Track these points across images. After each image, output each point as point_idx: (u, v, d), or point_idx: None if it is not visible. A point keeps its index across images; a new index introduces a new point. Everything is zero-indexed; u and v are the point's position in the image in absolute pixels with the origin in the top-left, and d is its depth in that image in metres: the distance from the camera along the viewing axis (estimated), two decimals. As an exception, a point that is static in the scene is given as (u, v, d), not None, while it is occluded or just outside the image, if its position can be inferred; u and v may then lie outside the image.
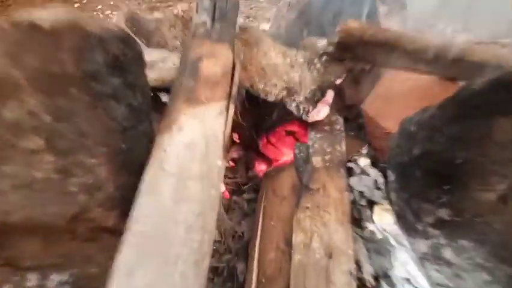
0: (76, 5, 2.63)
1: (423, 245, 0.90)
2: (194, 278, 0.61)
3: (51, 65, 0.69)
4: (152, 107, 0.88)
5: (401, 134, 0.91)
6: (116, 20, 1.38)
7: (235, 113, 0.99)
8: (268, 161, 1.26)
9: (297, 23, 1.30)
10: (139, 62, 0.80)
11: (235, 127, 1.27)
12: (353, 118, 1.22)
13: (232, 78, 0.91)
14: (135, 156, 0.76)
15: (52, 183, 0.70)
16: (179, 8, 1.17)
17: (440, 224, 0.87)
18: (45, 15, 0.70)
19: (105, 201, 0.74)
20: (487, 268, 0.83)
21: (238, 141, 1.28)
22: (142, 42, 1.21)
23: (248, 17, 2.40)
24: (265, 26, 2.30)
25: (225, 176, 1.25)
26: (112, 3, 2.56)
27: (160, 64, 1.09)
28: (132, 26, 1.26)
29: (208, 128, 0.80)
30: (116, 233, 0.73)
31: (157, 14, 1.22)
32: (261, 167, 1.26)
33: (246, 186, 1.22)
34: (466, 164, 0.79)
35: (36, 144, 0.69)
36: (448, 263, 0.88)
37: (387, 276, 0.87)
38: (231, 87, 0.89)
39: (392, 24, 1.31)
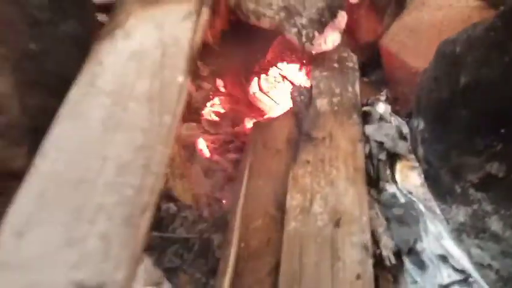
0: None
1: (462, 213, 0.67)
2: (122, 242, 0.37)
3: None
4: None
5: (440, 61, 0.66)
6: None
7: (211, 29, 0.73)
8: (260, 112, 1.02)
9: None
10: None
11: (219, 69, 1.02)
12: (369, 59, 0.97)
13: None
14: (54, 65, 0.51)
15: None
16: None
17: (487, 183, 0.63)
18: None
19: (8, 131, 0.49)
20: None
21: (223, 88, 1.03)
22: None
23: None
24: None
25: (206, 131, 1.01)
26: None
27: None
28: None
29: (167, 35, 0.55)
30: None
31: None
32: (250, 121, 1.02)
33: (231, 144, 0.99)
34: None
35: None
36: (495, 237, 0.64)
37: (413, 253, 0.64)
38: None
39: None
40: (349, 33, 0.95)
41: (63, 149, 0.44)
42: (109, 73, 0.51)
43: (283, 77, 0.99)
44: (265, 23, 0.82)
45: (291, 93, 0.83)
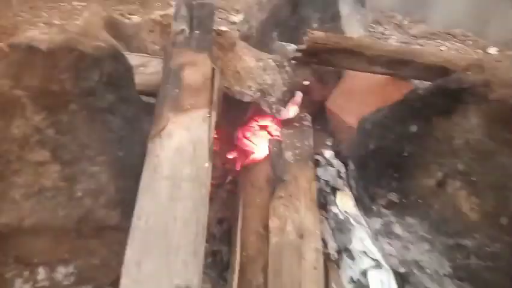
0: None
1: (377, 223, 1.09)
2: (194, 265, 0.74)
3: (50, 84, 0.78)
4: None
5: (359, 131, 1.07)
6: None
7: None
8: (244, 153, 1.38)
9: (267, 24, 1.40)
10: (130, 76, 0.89)
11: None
12: (319, 113, 1.36)
13: (212, 85, 1.01)
14: (132, 161, 0.86)
15: (59, 190, 0.79)
16: (156, 14, 1.24)
17: (390, 205, 1.05)
18: (42, 37, 0.77)
19: (107, 202, 0.84)
20: (428, 239, 1.02)
21: (216, 136, 1.38)
22: (122, 46, 1.28)
23: (217, 8, 2.45)
24: (235, 18, 2.37)
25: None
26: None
27: (141, 69, 1.17)
28: (111, 30, 1.31)
29: (194, 134, 0.91)
30: (119, 229, 0.85)
31: (135, 19, 1.28)
32: (237, 160, 1.38)
33: (227, 179, 1.35)
34: (411, 157, 0.96)
35: (43, 156, 0.78)
36: (398, 237, 1.06)
37: (347, 250, 1.04)
38: (212, 94, 1.00)
39: (353, 22, 1.44)
40: (304, 93, 1.33)
41: (148, 214, 0.80)
42: (164, 163, 0.86)
43: (262, 127, 1.37)
44: (247, 99, 1.20)
45: (269, 146, 1.21)
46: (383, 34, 2.14)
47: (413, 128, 0.93)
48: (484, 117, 0.83)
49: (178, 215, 0.79)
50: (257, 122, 1.36)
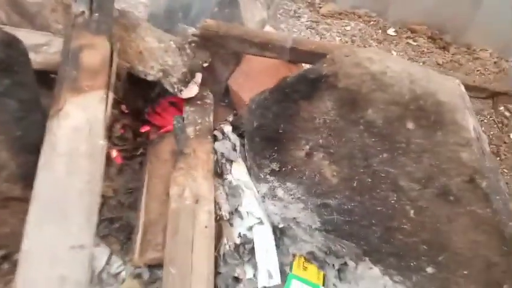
0: None
1: (264, 188, 1.28)
2: (87, 229, 0.87)
3: None
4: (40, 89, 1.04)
5: (248, 110, 1.23)
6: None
7: (116, 93, 1.18)
8: (155, 127, 1.50)
9: (173, 4, 1.48)
10: (25, 61, 0.95)
11: (124, 99, 1.46)
12: (223, 91, 1.50)
13: (110, 67, 1.10)
14: (31, 139, 0.94)
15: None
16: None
17: (273, 173, 1.25)
18: None
19: (9, 177, 0.93)
20: (302, 200, 1.24)
21: (126, 111, 1.48)
22: (26, 23, 1.29)
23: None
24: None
25: (116, 144, 1.46)
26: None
27: (44, 48, 1.21)
28: (14, 7, 1.31)
29: (91, 114, 1.01)
30: (23, 200, 0.94)
31: (37, -2, 1.29)
32: (148, 133, 1.49)
33: (138, 152, 1.46)
34: (285, 133, 1.15)
35: None
36: (280, 199, 1.27)
37: (238, 211, 1.23)
38: (109, 76, 1.09)
39: (255, 6, 1.56)
40: (209, 73, 1.46)
41: (47, 185, 0.90)
42: (61, 141, 0.95)
43: (171, 104, 1.48)
44: (150, 78, 1.30)
45: (173, 122, 1.33)
46: (296, 12, 2.30)
47: (285, 109, 1.11)
48: (335, 102, 1.03)
49: (74, 187, 0.91)
50: (166, 98, 1.47)
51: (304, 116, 1.10)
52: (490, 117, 1.86)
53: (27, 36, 1.18)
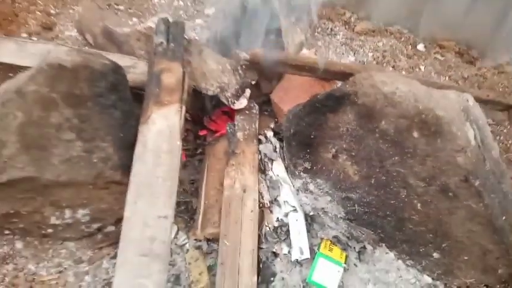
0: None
1: (298, 183, 1.57)
2: (169, 204, 1.21)
3: (74, 90, 1.20)
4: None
5: (286, 119, 1.53)
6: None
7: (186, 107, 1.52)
8: (211, 132, 1.84)
9: (228, 32, 1.81)
10: (125, 82, 1.31)
11: (187, 110, 1.81)
12: (266, 103, 1.82)
13: (183, 86, 1.45)
14: (128, 139, 1.30)
15: (82, 158, 1.24)
16: (142, 26, 1.64)
17: (306, 170, 1.54)
18: (66, 58, 1.18)
19: (112, 166, 1.29)
20: (329, 193, 1.52)
21: (189, 118, 1.83)
22: (115, 49, 1.68)
23: (194, 0, 2.81)
24: (209, 11, 2.74)
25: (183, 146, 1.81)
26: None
27: (131, 69, 1.59)
28: (107, 36, 1.71)
29: (170, 122, 1.35)
30: (121, 183, 1.31)
31: (125, 29, 1.68)
32: (206, 136, 1.84)
33: (198, 151, 1.81)
34: (316, 138, 1.43)
35: (71, 136, 1.22)
36: (311, 192, 1.56)
37: (276, 201, 1.53)
38: (182, 93, 1.43)
39: (294, 32, 1.87)
40: (255, 88, 1.78)
41: (139, 174, 1.25)
42: (150, 141, 1.31)
43: (224, 113, 1.82)
44: (210, 93, 1.63)
45: (226, 128, 1.66)
46: (332, 30, 2.56)
47: (315, 120, 1.40)
48: (356, 114, 1.30)
49: (159, 175, 1.25)
50: (221, 108, 1.81)
51: (331, 125, 1.38)
52: (511, 127, 2.02)
53: (119, 59, 1.56)
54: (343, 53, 2.47)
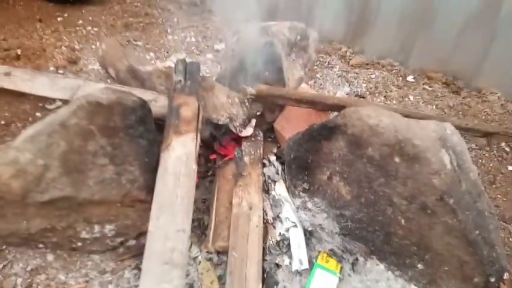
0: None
1: (298, 201, 1.78)
2: (186, 220, 1.42)
3: (109, 122, 1.43)
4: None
5: (287, 146, 1.75)
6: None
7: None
8: (220, 156, 2.06)
9: (237, 69, 2.06)
10: (150, 116, 1.55)
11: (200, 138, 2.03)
12: (270, 130, 2.05)
13: (198, 118, 1.68)
14: (152, 163, 1.53)
15: (113, 179, 1.46)
16: (162, 65, 1.90)
17: (305, 191, 1.74)
18: (102, 96, 1.42)
19: (139, 186, 1.51)
20: (326, 211, 1.72)
21: (201, 144, 2.05)
22: (138, 85, 1.93)
23: (204, 37, 3.10)
24: (218, 46, 3.02)
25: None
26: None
27: (153, 102, 1.83)
28: (131, 73, 1.96)
29: (187, 148, 1.58)
30: (146, 202, 1.52)
31: (148, 68, 1.94)
32: (215, 160, 2.06)
33: (209, 173, 2.02)
34: (312, 162, 1.65)
35: (104, 161, 1.44)
36: (309, 210, 1.76)
37: (279, 217, 1.73)
38: (197, 123, 1.66)
39: (294, 68, 2.11)
40: (260, 118, 2.01)
41: (161, 194, 1.46)
42: (170, 165, 1.53)
43: (233, 140, 2.05)
44: (221, 122, 1.87)
45: (234, 153, 1.89)
46: (329, 64, 2.82)
47: (312, 146, 1.62)
48: (346, 142, 1.52)
49: (178, 195, 1.46)
50: (229, 136, 2.04)
51: (325, 151, 1.60)
52: (491, 152, 2.22)
53: (142, 94, 1.81)
54: (339, 84, 2.72)
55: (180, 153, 1.56)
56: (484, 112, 2.48)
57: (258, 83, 1.86)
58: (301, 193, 1.76)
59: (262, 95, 1.79)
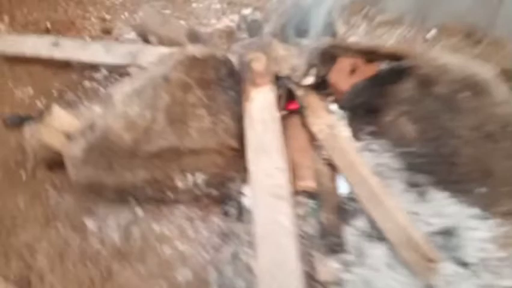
0: None
1: (362, 145, 1.94)
2: (281, 156, 1.55)
3: (204, 75, 1.53)
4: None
5: (352, 93, 1.89)
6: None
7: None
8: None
9: (285, 27, 2.16)
10: (234, 69, 1.65)
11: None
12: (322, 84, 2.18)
13: (269, 71, 1.79)
14: (240, 113, 1.64)
15: (210, 129, 1.57)
16: (221, 24, 1.98)
17: (370, 133, 1.90)
18: (197, 51, 1.52)
19: (231, 134, 1.63)
20: (391, 150, 1.88)
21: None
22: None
23: (229, 3, 3.14)
24: (246, 11, 3.07)
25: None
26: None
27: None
28: (191, 37, 2.04)
29: (267, 98, 1.69)
30: (234, 149, 1.64)
31: (208, 29, 2.01)
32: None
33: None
34: (380, 105, 1.80)
35: (202, 112, 1.55)
36: (374, 151, 1.92)
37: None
38: (270, 76, 1.77)
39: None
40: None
41: (251, 138, 1.59)
42: (254, 112, 1.64)
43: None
44: (283, 74, 1.97)
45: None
46: (354, 24, 2.95)
47: (379, 90, 1.77)
48: (414, 82, 1.67)
49: (267, 138, 1.59)
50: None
51: (392, 93, 1.75)
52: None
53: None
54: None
55: (262, 103, 1.67)
56: (506, 59, 2.68)
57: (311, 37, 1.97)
58: (366, 136, 1.92)
59: (325, 47, 1.90)
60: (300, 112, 1.97)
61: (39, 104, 2.23)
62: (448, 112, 1.66)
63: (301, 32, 2.15)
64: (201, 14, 3.06)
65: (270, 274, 1.34)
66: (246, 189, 1.80)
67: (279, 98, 2.07)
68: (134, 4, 3.07)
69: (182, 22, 2.97)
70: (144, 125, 1.45)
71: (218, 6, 3.19)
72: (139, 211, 1.82)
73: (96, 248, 1.71)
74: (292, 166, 1.84)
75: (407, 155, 1.85)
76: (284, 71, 1.96)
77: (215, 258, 1.70)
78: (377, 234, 1.73)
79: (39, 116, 1.85)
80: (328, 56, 2.10)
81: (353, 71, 2.08)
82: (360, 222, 1.76)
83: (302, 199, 1.82)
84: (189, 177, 1.69)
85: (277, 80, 2.02)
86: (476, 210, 1.83)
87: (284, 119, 2.06)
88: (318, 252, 1.63)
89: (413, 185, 1.89)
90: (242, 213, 1.77)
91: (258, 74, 1.75)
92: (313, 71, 2.02)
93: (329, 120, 1.87)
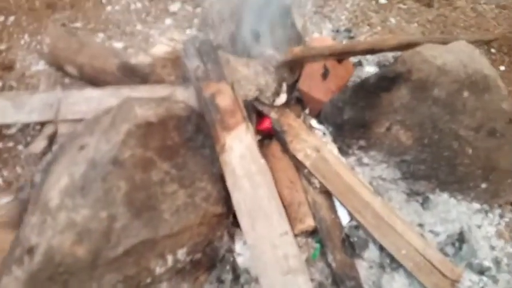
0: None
1: (352, 160, 1.71)
2: (284, 220, 1.27)
3: (166, 142, 1.16)
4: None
5: (332, 108, 1.63)
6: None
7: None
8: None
9: (236, 33, 1.79)
10: (204, 121, 1.28)
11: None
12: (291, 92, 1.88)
13: (238, 103, 1.45)
14: (219, 171, 1.31)
15: (187, 203, 1.23)
16: (162, 50, 1.56)
17: (360, 148, 1.67)
18: (150, 113, 1.14)
19: (214, 201, 1.30)
20: (384, 161, 1.68)
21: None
22: (138, 82, 1.59)
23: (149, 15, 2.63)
24: (173, 7, 2.59)
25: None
26: None
27: (173, 98, 1.53)
28: (125, 72, 1.59)
29: (245, 142, 1.37)
30: (222, 215, 1.33)
31: (143, 59, 1.57)
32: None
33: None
34: (370, 117, 1.56)
35: (173, 188, 1.20)
36: (366, 164, 1.71)
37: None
38: (241, 110, 1.44)
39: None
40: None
41: (240, 200, 1.28)
42: (237, 166, 1.32)
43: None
44: (250, 98, 1.64)
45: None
46: (301, 2, 2.63)
47: (370, 102, 1.52)
48: (409, 89, 1.44)
49: (261, 197, 1.29)
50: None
51: (384, 103, 1.51)
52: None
53: (151, 91, 1.50)
54: (319, 23, 2.56)
55: (241, 151, 1.35)
56: (460, 19, 2.56)
57: (279, 46, 1.64)
58: (356, 151, 1.69)
59: (297, 58, 1.59)
60: (278, 137, 1.68)
61: None
62: (448, 114, 1.47)
63: (256, 35, 1.80)
64: (120, 19, 2.53)
65: None
66: (238, 246, 1.53)
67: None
68: (33, 21, 2.44)
69: (100, 35, 2.44)
70: (101, 229, 1.07)
71: (139, 5, 2.67)
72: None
73: None
74: (285, 206, 1.58)
75: (403, 163, 1.66)
76: (250, 93, 1.63)
77: None
78: (390, 263, 1.57)
79: None
80: (296, 63, 1.79)
81: (324, 74, 1.81)
82: (370, 253, 1.58)
83: (301, 239, 1.60)
84: (169, 258, 1.36)
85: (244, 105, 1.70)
86: (477, 205, 1.74)
87: (260, 147, 1.77)
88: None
89: (413, 193, 1.73)
90: (238, 275, 1.50)
91: (227, 111, 1.40)
92: (284, 87, 1.71)
93: (314, 142, 1.61)
